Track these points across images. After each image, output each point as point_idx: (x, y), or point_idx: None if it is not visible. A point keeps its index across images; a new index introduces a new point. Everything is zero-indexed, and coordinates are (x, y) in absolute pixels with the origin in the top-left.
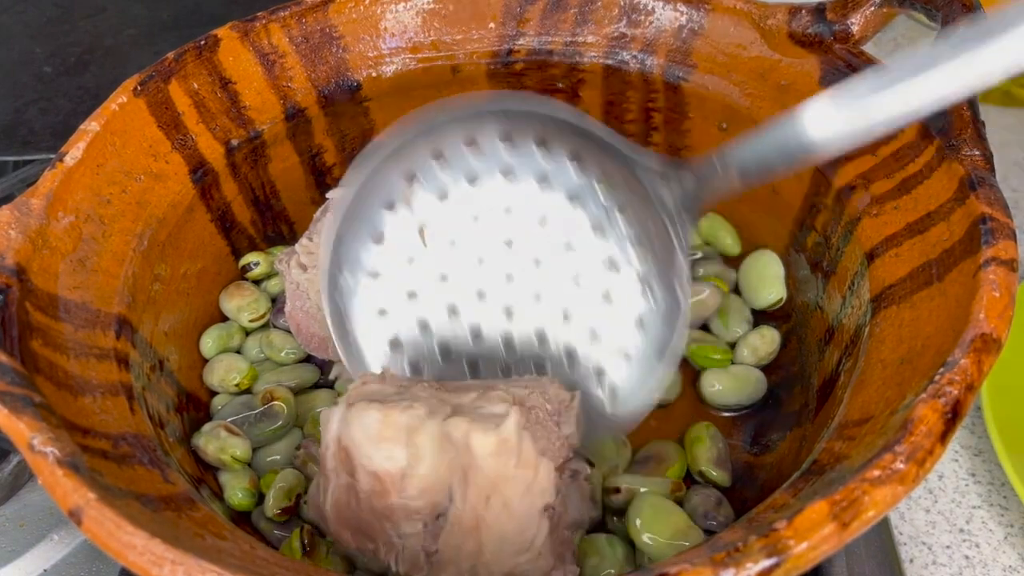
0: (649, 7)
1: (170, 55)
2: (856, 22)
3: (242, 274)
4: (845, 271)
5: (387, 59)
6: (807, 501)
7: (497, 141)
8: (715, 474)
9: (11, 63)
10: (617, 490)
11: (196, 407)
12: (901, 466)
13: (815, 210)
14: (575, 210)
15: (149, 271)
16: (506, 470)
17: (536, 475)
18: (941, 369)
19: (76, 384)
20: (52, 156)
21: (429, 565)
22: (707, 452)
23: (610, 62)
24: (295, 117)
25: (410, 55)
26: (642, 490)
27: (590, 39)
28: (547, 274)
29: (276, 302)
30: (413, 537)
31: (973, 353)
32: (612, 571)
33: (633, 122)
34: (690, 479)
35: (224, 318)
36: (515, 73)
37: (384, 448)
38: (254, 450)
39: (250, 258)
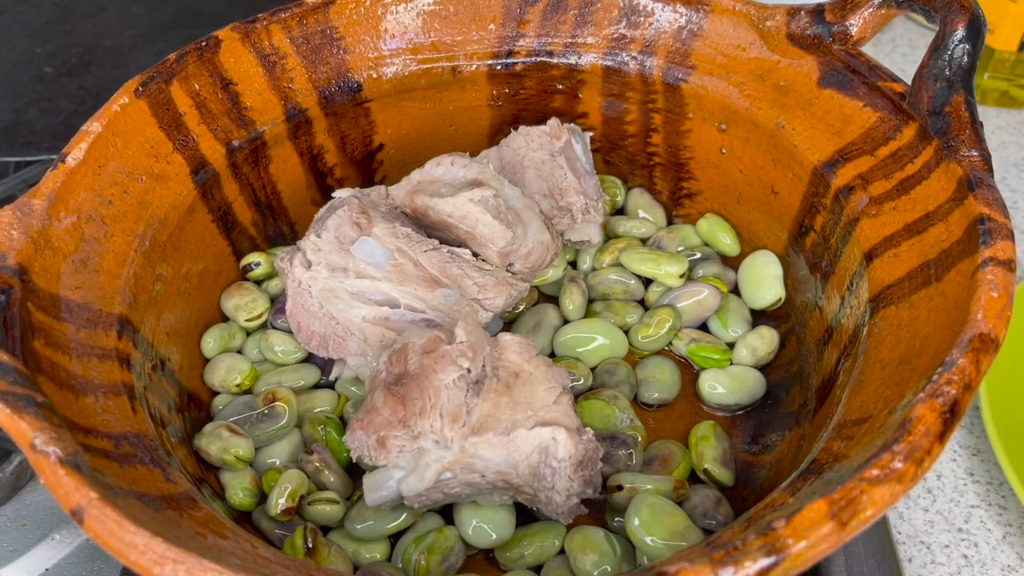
0: (648, 8)
1: (171, 56)
2: (855, 23)
3: (243, 274)
4: (844, 271)
5: (388, 60)
6: (806, 500)
7: None
8: (719, 472)
9: (11, 63)
10: (620, 487)
11: (197, 407)
12: (899, 465)
13: (814, 210)
14: None
15: (150, 271)
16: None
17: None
18: (939, 369)
19: (78, 384)
20: (53, 157)
21: (468, 416)
22: (713, 451)
23: (610, 63)
24: (296, 118)
25: (410, 56)
26: (645, 487)
27: (590, 40)
28: None
29: (275, 303)
30: (456, 389)
31: (971, 353)
32: (609, 568)
33: (633, 123)
34: (692, 478)
35: (225, 318)
36: (515, 74)
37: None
38: (255, 450)
39: (251, 258)
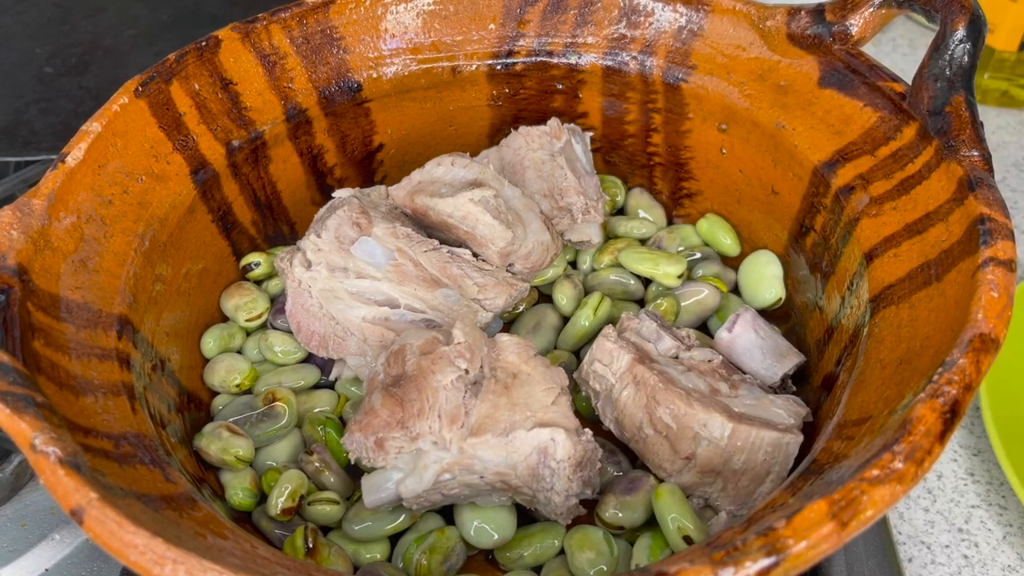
0: (649, 8)
1: (171, 56)
2: (855, 23)
3: (243, 274)
4: (844, 271)
5: (388, 60)
6: (806, 500)
7: None
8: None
9: (11, 63)
10: (621, 528)
11: (197, 407)
12: (900, 466)
13: (814, 210)
14: None
15: (150, 271)
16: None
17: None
18: (940, 369)
19: (78, 384)
20: (53, 157)
21: (467, 418)
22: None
23: (610, 63)
24: (296, 118)
25: (410, 56)
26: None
27: (590, 40)
28: None
29: (275, 303)
30: (454, 390)
31: (971, 353)
32: (605, 568)
33: (633, 123)
34: None
35: (225, 318)
36: (515, 74)
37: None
38: (255, 450)
39: (251, 258)
